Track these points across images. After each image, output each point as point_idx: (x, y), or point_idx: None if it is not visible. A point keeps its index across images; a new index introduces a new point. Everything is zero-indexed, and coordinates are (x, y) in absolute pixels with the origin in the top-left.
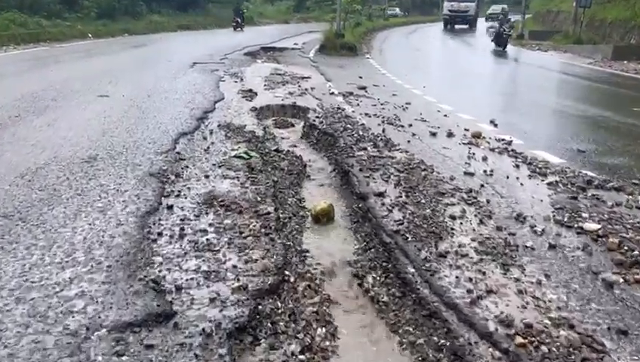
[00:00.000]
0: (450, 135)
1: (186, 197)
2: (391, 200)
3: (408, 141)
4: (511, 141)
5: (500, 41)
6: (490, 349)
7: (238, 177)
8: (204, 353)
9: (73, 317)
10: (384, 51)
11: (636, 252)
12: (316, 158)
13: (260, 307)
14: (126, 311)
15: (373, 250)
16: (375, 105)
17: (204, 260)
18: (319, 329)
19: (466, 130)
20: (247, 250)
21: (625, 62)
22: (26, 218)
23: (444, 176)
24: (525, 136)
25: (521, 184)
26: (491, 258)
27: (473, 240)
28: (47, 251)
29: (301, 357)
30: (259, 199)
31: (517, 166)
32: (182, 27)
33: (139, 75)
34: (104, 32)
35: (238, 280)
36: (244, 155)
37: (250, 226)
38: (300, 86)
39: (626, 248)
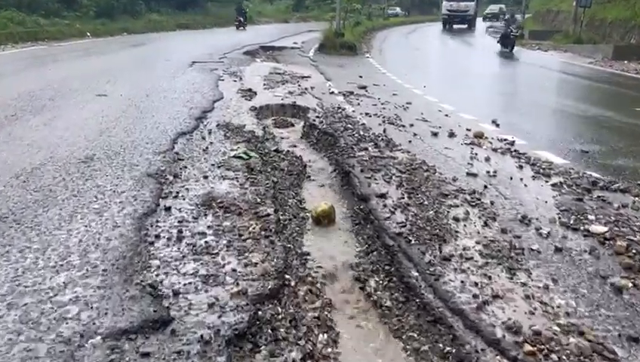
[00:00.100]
0: (451, 135)
1: (184, 199)
2: (393, 201)
3: (410, 141)
4: (513, 141)
5: (507, 42)
6: (498, 357)
7: (237, 178)
8: (203, 361)
9: (67, 323)
10: (384, 51)
11: None
12: (316, 158)
13: (259, 312)
14: (121, 318)
15: (375, 252)
16: (375, 104)
17: (202, 264)
18: (321, 336)
19: (468, 130)
20: (246, 253)
21: (625, 62)
22: (20, 220)
23: (447, 176)
24: (528, 136)
25: (525, 185)
26: (497, 261)
27: (478, 242)
28: (41, 254)
29: None
30: (258, 200)
31: (520, 167)
32: (181, 26)
33: (137, 75)
34: (103, 31)
35: (238, 284)
36: (244, 155)
37: (250, 228)
38: (299, 85)
39: (634, 251)
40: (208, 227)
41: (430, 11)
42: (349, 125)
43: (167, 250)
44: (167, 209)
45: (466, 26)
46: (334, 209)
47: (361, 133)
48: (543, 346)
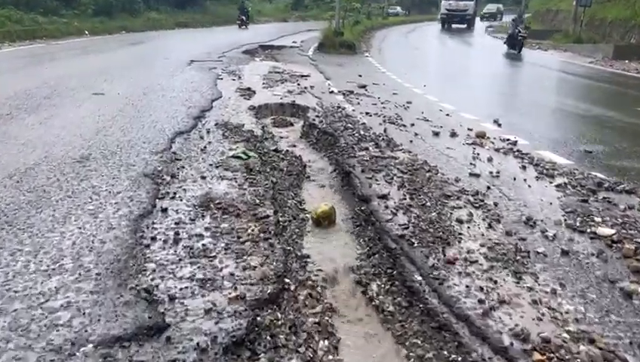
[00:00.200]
0: (453, 135)
1: (181, 200)
2: (395, 202)
3: (411, 141)
4: (516, 141)
5: (514, 43)
6: None
7: (235, 178)
8: None
9: (58, 330)
10: (383, 50)
11: None
12: (316, 158)
13: (258, 318)
14: (115, 324)
15: (377, 255)
16: (375, 104)
17: (199, 267)
18: (321, 342)
19: (470, 129)
20: (245, 256)
21: (626, 61)
22: (12, 221)
23: (449, 177)
24: (530, 136)
25: (529, 186)
26: (502, 265)
27: (482, 245)
28: (32, 258)
29: None
30: (257, 201)
31: (523, 167)
32: (180, 25)
33: (135, 73)
34: (101, 29)
35: (236, 289)
36: (242, 155)
37: (249, 230)
38: (298, 84)
39: None
40: (206, 229)
41: (429, 11)
42: (349, 124)
43: (164, 253)
44: (164, 210)
45: (465, 26)
46: (335, 210)
47: (362, 132)
48: (552, 354)
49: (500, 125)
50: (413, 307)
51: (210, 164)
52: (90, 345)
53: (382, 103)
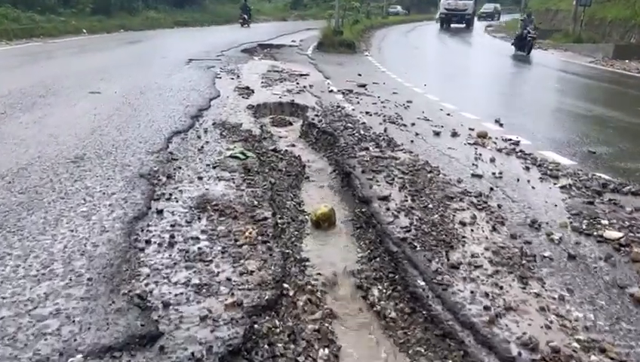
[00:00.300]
0: (454, 135)
1: (177, 201)
2: (396, 204)
3: (412, 141)
4: (518, 141)
5: (523, 44)
6: None
7: (233, 179)
8: None
9: (46, 339)
10: (383, 49)
11: None
12: (315, 158)
13: (256, 326)
14: (105, 333)
15: (378, 259)
16: (375, 103)
17: (195, 272)
18: (321, 351)
19: (471, 129)
20: (242, 260)
21: (626, 61)
22: (2, 224)
23: (451, 178)
24: (532, 136)
25: (533, 187)
26: (507, 269)
27: (487, 249)
28: (22, 262)
29: None
30: (255, 203)
31: (527, 168)
32: (178, 23)
33: (133, 72)
34: (99, 28)
35: (233, 294)
36: (240, 155)
37: (246, 233)
38: (298, 83)
39: None
40: (202, 231)
41: (428, 10)
42: (349, 124)
43: (158, 257)
44: (159, 212)
45: (464, 25)
46: (334, 211)
47: (362, 132)
48: None
49: (501, 125)
50: (416, 313)
51: (208, 165)
52: (79, 356)
53: (382, 102)
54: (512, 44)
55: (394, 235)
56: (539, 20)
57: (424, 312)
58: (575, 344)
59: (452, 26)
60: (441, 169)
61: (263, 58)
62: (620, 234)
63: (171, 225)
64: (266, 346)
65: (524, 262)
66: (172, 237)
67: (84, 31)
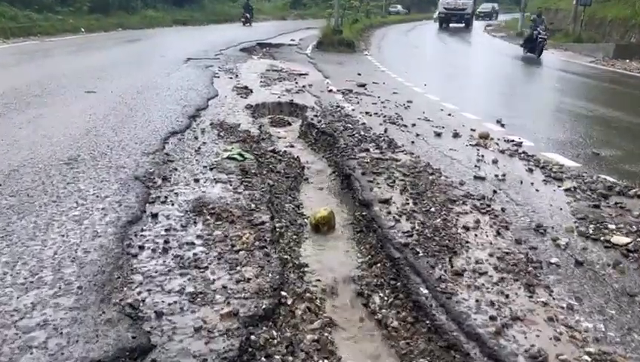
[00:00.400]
0: (456, 135)
1: (172, 204)
2: (397, 208)
3: (412, 142)
4: (521, 142)
5: (533, 46)
6: None
7: (230, 181)
8: None
9: (31, 353)
10: (382, 48)
11: None
12: (315, 159)
13: (252, 337)
14: (94, 346)
15: (379, 264)
16: (375, 103)
17: (190, 279)
18: None
19: (472, 130)
20: (238, 267)
21: (627, 60)
22: None
23: (454, 180)
24: (535, 137)
25: (537, 190)
26: (513, 277)
27: (491, 255)
28: (10, 269)
29: None
30: (253, 206)
31: (530, 170)
32: (177, 22)
33: (130, 71)
34: (97, 27)
35: (228, 304)
36: (238, 157)
37: (243, 238)
38: (297, 83)
39: None
40: (198, 236)
41: (428, 9)
42: (349, 124)
43: (152, 263)
44: (154, 216)
45: (463, 25)
46: (334, 215)
47: (362, 133)
48: None
49: (503, 125)
50: (419, 323)
51: (205, 166)
52: None
53: (382, 102)
54: (521, 46)
55: (395, 240)
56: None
57: (427, 322)
58: (586, 357)
59: (451, 25)
60: (443, 171)
61: (262, 57)
62: (628, 240)
63: (166, 230)
64: (263, 359)
65: (530, 268)
66: (166, 242)
67: (82, 29)
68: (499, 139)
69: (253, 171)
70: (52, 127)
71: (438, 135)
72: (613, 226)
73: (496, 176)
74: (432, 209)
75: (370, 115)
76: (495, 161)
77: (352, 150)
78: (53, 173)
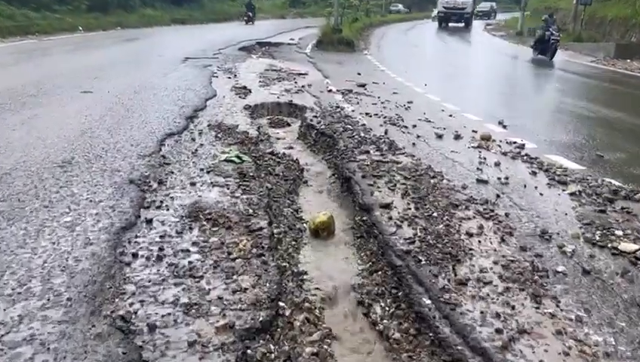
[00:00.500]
0: (457, 137)
1: (168, 209)
2: (399, 213)
3: (413, 144)
4: (523, 144)
5: (545, 48)
6: None
7: (227, 185)
8: None
9: None
10: (382, 48)
11: None
12: (314, 161)
13: (249, 351)
14: None
15: (380, 272)
16: (375, 103)
17: (184, 289)
18: None
19: (474, 131)
20: (235, 276)
21: (628, 60)
22: None
23: (456, 184)
24: (537, 139)
25: (541, 194)
26: (519, 286)
27: (496, 263)
28: None
29: None
30: (250, 211)
31: (533, 173)
32: (176, 21)
33: (127, 70)
34: (95, 25)
35: (224, 316)
36: (236, 159)
37: (240, 245)
38: (296, 83)
39: None
40: (193, 243)
41: (427, 8)
42: (349, 126)
43: (145, 273)
44: (149, 221)
45: (462, 25)
46: (333, 219)
47: (362, 134)
48: None
49: (505, 127)
50: (422, 335)
51: (201, 169)
52: None
53: (382, 103)
54: (532, 47)
55: (397, 247)
56: (539, 19)
57: (430, 334)
58: None
59: (450, 25)
60: (445, 174)
61: (261, 56)
62: (636, 247)
63: (161, 237)
64: None
65: (536, 277)
66: (161, 249)
67: (80, 28)
68: (501, 141)
69: (251, 174)
70: (47, 128)
71: (440, 136)
72: (620, 232)
73: (499, 179)
74: (435, 214)
75: (371, 116)
76: (497, 164)
77: (352, 152)
78: (46, 176)
